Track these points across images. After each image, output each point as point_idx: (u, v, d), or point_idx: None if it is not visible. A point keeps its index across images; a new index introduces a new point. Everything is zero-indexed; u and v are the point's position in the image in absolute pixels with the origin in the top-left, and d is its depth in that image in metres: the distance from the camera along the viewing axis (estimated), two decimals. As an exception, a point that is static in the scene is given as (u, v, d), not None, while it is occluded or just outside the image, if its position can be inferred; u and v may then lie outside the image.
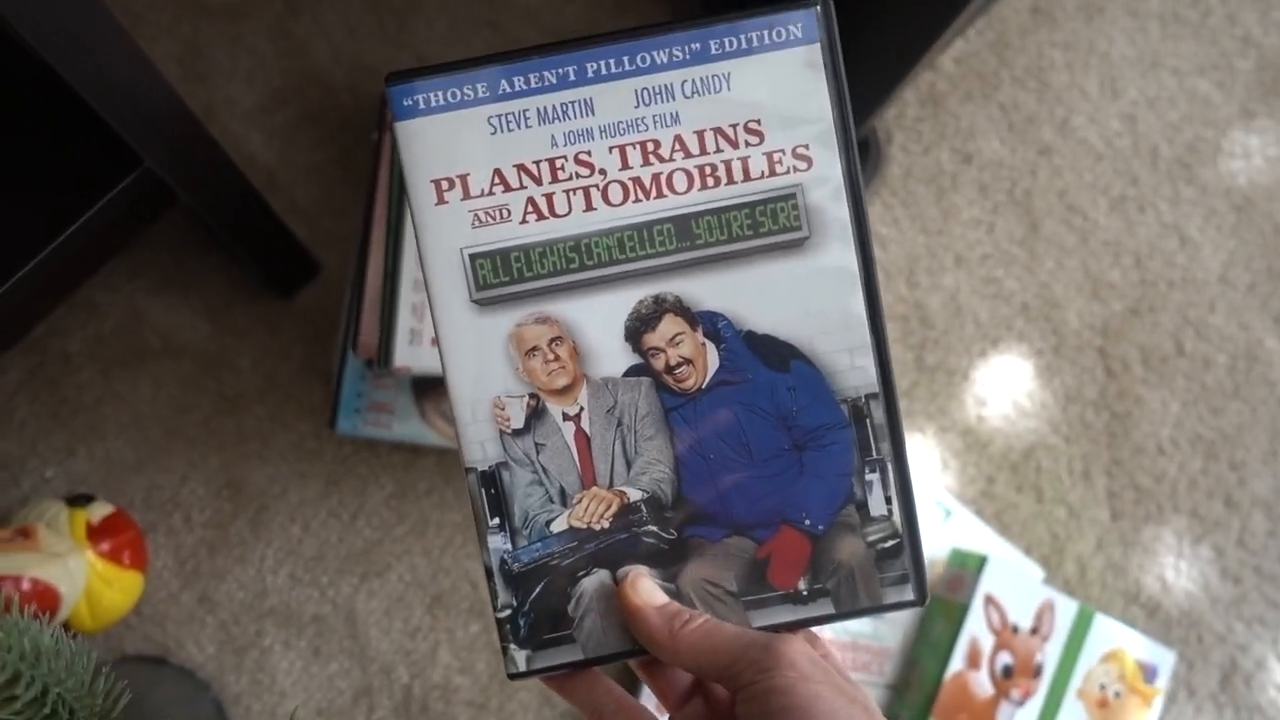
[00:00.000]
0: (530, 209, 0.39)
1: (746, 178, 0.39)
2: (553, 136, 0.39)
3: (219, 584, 0.77)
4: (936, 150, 0.87)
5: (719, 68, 0.39)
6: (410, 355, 0.67)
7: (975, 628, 0.73)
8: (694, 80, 0.39)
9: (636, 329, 0.39)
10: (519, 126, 0.39)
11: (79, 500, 0.71)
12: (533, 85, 0.39)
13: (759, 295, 0.39)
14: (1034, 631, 0.74)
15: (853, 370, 0.39)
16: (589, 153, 0.39)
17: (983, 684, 0.73)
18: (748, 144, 0.39)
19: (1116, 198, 0.88)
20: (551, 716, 0.76)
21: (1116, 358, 0.85)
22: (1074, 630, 0.75)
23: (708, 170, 0.39)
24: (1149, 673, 0.76)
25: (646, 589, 0.36)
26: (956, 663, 0.73)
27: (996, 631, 0.74)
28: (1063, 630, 0.75)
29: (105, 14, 0.49)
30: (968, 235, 0.86)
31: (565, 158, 0.39)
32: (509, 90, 0.39)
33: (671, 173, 0.39)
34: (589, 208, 0.39)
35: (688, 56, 0.39)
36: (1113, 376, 0.85)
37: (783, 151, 0.39)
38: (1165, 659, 0.76)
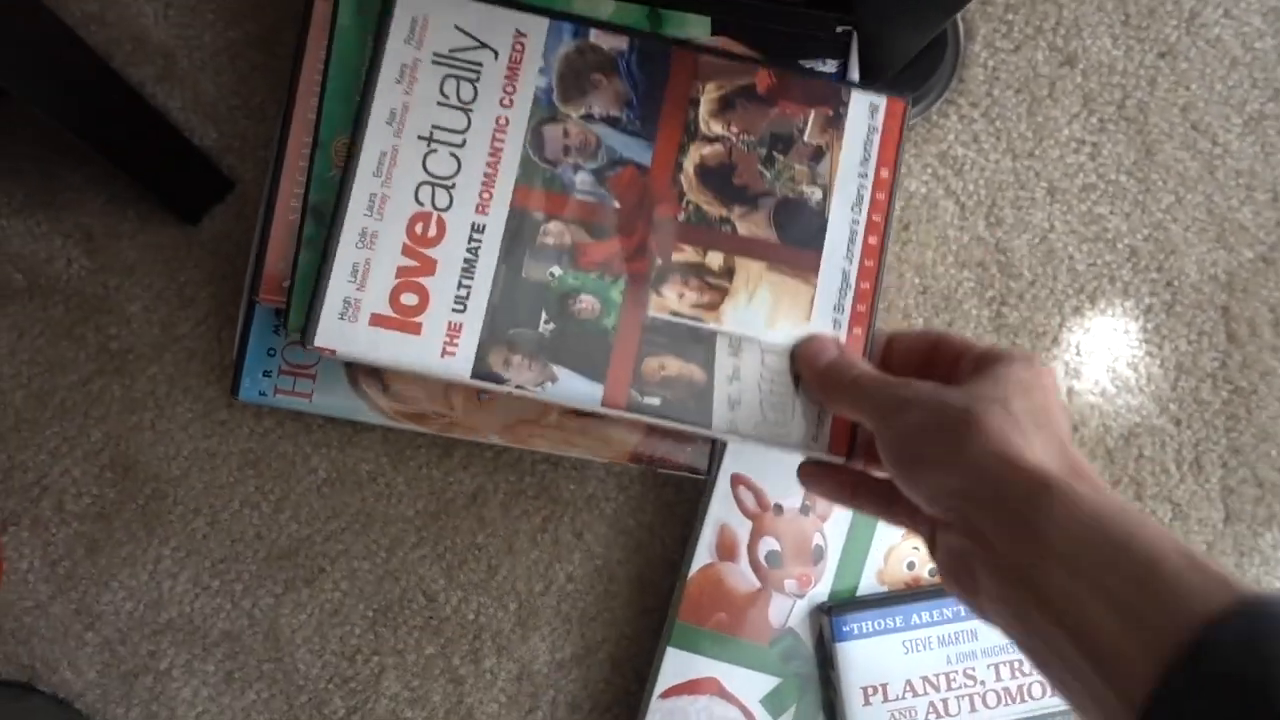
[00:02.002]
0: (931, 710, 0.57)
1: None
2: (948, 657, 0.57)
3: (101, 591, 0.60)
4: (1030, 48, 0.68)
5: None
6: (339, 335, 0.47)
7: (722, 513, 0.59)
8: None
9: None
10: (924, 649, 0.57)
11: (-102, 493, 0.54)
12: (935, 619, 0.57)
13: None
14: (806, 510, 0.59)
15: None
16: (973, 669, 0.58)
17: (744, 576, 0.59)
18: None
19: (1253, 115, 0.69)
20: (526, 760, 0.61)
21: (1243, 319, 0.68)
22: None
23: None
24: None
25: (811, 351, 0.46)
26: (703, 555, 0.59)
27: (753, 515, 0.59)
28: None
29: None
30: (1066, 159, 0.67)
31: (956, 672, 0.57)
32: (918, 622, 0.57)
33: (1030, 684, 0.58)
34: (973, 710, 0.57)
35: None
36: (1237, 343, 0.67)
37: None
38: None
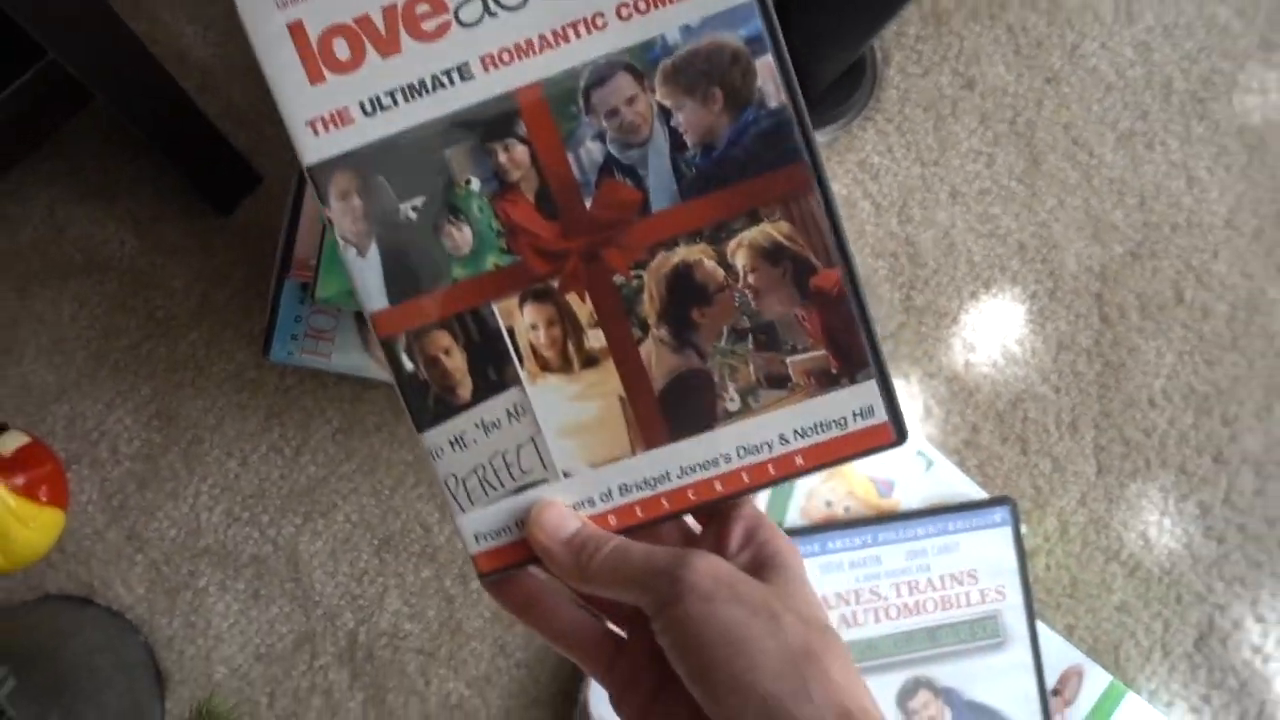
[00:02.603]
0: (843, 621, 0.71)
1: (968, 604, 0.73)
2: (857, 578, 0.72)
3: (149, 520, 0.71)
4: (937, 73, 0.81)
5: (954, 539, 0.74)
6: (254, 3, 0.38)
7: None
8: (940, 545, 0.73)
9: (903, 699, 0.72)
10: (838, 570, 0.71)
11: (-11, 430, 0.65)
12: (846, 546, 0.72)
13: (975, 677, 0.73)
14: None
15: None
16: (878, 587, 0.72)
17: None
18: (969, 583, 0.73)
19: (1124, 132, 0.82)
20: (505, 666, 0.72)
21: (1113, 304, 0.80)
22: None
23: (947, 599, 0.73)
24: None
25: (553, 522, 0.36)
26: None
27: None
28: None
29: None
30: (966, 167, 0.80)
31: (864, 590, 0.72)
32: (833, 548, 0.72)
33: (925, 600, 0.72)
34: (876, 621, 0.72)
35: (935, 531, 0.74)
36: (1108, 324, 0.80)
37: (989, 589, 0.74)
38: None
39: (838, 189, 0.79)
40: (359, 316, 0.68)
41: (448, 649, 0.72)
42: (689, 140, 0.36)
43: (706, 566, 0.32)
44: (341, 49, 0.35)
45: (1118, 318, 0.80)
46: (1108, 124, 0.82)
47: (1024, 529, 0.77)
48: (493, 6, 0.35)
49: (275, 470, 0.72)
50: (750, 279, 0.37)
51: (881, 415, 0.37)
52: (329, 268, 0.63)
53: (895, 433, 0.37)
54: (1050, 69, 0.82)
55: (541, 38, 0.35)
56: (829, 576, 0.70)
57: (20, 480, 0.63)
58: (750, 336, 0.37)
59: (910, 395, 0.78)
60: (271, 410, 0.73)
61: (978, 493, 0.76)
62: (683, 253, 0.37)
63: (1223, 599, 0.79)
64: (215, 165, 0.71)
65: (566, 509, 0.36)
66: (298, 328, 0.68)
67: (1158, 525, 0.79)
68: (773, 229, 0.37)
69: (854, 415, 0.37)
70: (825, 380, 0.37)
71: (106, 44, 0.53)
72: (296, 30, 0.35)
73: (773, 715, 0.31)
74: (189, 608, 0.71)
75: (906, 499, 0.74)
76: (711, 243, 0.36)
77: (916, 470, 0.75)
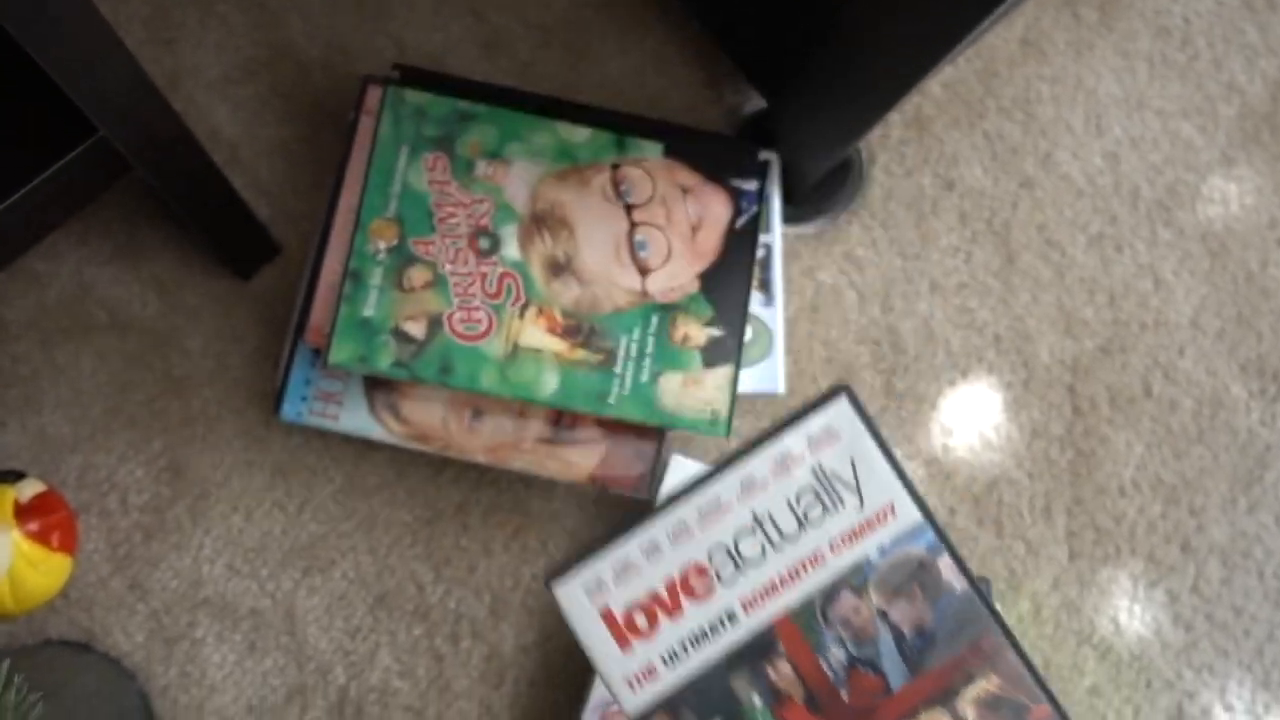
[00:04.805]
0: None
1: None
2: None
3: (152, 571, 0.74)
4: (919, 175, 0.86)
5: None
6: (573, 600, 0.56)
7: None
8: None
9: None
10: None
11: (8, 476, 0.68)
12: None
13: None
14: None
15: None
16: None
17: None
18: None
19: (1095, 235, 0.87)
20: (490, 727, 0.74)
21: (1085, 396, 0.84)
22: None
23: None
24: None
25: None
26: None
27: None
28: None
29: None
30: (945, 262, 0.85)
31: None
32: None
33: None
34: None
35: None
36: (1080, 414, 0.84)
37: None
38: None
39: (824, 278, 0.83)
40: (368, 381, 0.71)
41: (435, 708, 0.74)
42: (906, 630, 0.48)
43: None
44: (640, 620, 0.48)
45: (1089, 409, 0.84)
46: (1079, 226, 0.87)
47: (998, 608, 0.80)
48: (740, 563, 0.48)
49: (277, 526, 0.75)
50: None
51: None
52: (343, 335, 0.67)
53: None
54: (1025, 174, 0.87)
55: (781, 579, 0.48)
56: None
57: (34, 526, 0.66)
58: None
59: (890, 476, 0.82)
60: (277, 468, 0.76)
61: (953, 572, 0.79)
62: (924, 718, 0.47)
63: (1191, 686, 0.81)
64: (239, 235, 0.75)
65: None
66: (308, 389, 0.72)
67: (1128, 611, 0.82)
68: (988, 684, 0.48)
69: None
70: None
71: (153, 125, 0.57)
72: (608, 615, 0.49)
73: None
74: (185, 658, 0.73)
75: (884, 576, 0.76)
76: (943, 704, 0.47)
77: (894, 548, 0.78)
